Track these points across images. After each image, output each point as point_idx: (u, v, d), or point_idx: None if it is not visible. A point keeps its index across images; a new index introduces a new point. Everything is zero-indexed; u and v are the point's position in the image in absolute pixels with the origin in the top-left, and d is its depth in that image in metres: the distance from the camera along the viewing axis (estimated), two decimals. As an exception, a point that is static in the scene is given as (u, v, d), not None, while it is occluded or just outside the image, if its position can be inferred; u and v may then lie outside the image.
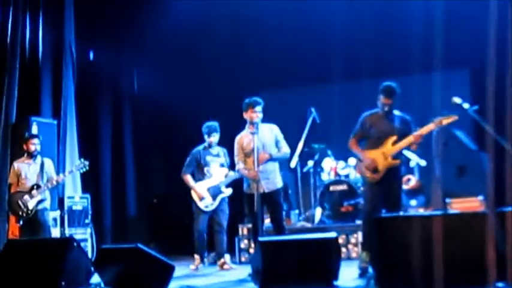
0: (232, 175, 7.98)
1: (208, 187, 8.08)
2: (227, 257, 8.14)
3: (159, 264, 5.75)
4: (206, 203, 8.07)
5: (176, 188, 12.43)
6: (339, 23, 10.59)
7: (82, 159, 8.61)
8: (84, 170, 8.52)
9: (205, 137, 8.21)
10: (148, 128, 12.06)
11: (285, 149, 7.26)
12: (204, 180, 8.17)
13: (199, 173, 8.26)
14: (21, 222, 7.90)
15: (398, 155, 6.54)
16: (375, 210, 6.24)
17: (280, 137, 7.21)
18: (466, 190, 8.89)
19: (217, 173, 8.15)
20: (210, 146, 8.22)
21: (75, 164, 8.75)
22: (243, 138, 7.14)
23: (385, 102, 6.53)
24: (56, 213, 9.39)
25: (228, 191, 8.10)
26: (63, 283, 5.60)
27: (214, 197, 8.05)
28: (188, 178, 8.28)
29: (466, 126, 8.50)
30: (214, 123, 8.24)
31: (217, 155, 8.23)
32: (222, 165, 8.24)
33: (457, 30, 9.83)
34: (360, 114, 6.84)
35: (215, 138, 8.17)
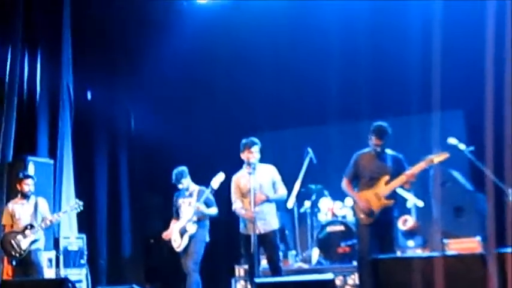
0: (200, 209, 7.94)
1: (179, 228, 8.07)
2: None
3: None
4: (175, 245, 8.07)
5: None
6: (336, 64, 10.68)
7: (77, 200, 8.62)
8: (79, 210, 8.53)
9: (177, 185, 8.30)
10: (145, 167, 12.06)
11: (282, 190, 7.27)
12: (178, 222, 8.21)
13: (178, 216, 8.30)
14: (14, 263, 7.86)
15: (392, 195, 6.55)
16: (370, 251, 6.23)
17: (278, 178, 7.22)
18: (464, 231, 8.85)
19: (185, 212, 8.12)
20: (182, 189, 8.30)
21: (70, 204, 8.73)
22: (240, 178, 7.16)
23: (376, 143, 6.57)
24: (52, 254, 9.35)
25: (192, 228, 7.97)
26: (57, 325, 5.55)
27: (181, 237, 8.01)
28: (171, 223, 8.36)
29: (462, 167, 8.54)
30: (180, 169, 8.30)
31: (190, 195, 8.21)
32: (192, 204, 8.15)
33: (451, 72, 9.93)
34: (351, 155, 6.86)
35: (185, 184, 8.22)
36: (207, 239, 8.20)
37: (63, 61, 11.02)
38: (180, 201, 8.25)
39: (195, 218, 7.97)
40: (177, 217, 8.23)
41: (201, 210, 7.93)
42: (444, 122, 9.93)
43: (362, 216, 6.49)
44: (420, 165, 6.43)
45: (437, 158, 6.39)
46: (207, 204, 8.05)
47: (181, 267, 10.36)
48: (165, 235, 8.22)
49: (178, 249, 8.05)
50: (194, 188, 8.24)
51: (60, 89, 10.95)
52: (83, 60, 11.41)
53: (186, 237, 7.97)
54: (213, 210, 8.09)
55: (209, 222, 8.26)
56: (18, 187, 8.15)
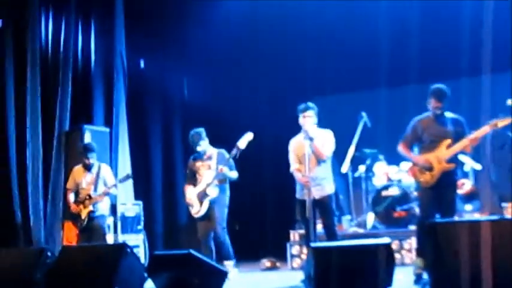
0: (223, 171, 7.67)
1: (198, 193, 7.81)
2: (229, 263, 7.70)
3: (212, 270, 5.78)
4: (194, 210, 7.83)
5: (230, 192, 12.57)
6: (386, 28, 10.54)
7: (128, 173, 8.74)
8: (128, 180, 8.66)
9: (194, 148, 8.03)
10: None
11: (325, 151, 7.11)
12: (196, 187, 7.92)
13: (194, 180, 8.00)
14: (79, 230, 8.07)
15: (453, 158, 6.41)
16: (430, 215, 6.15)
17: (327, 141, 7.08)
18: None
19: (205, 176, 7.83)
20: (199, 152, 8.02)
21: (120, 177, 8.82)
22: (296, 143, 7.11)
23: (436, 105, 6.40)
24: (110, 220, 9.54)
25: (214, 192, 7.71)
26: (117, 289, 5.67)
27: (201, 202, 7.77)
28: (185, 188, 8.09)
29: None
30: (197, 131, 8.04)
31: (209, 158, 7.94)
32: (212, 168, 7.87)
33: (507, 33, 9.69)
34: (411, 118, 6.73)
35: (203, 146, 7.94)
36: (228, 202, 7.93)
37: (116, 30, 11.13)
38: (198, 164, 7.98)
39: (216, 182, 7.73)
40: (193, 182, 7.97)
41: (224, 172, 7.67)
42: (502, 84, 9.76)
43: (422, 179, 6.39)
44: (484, 129, 6.26)
45: (502, 122, 6.22)
46: (230, 167, 7.87)
47: (236, 231, 10.46)
48: (187, 200, 7.96)
49: (197, 215, 7.82)
50: (213, 150, 8.01)
51: (113, 58, 11.09)
52: (135, 30, 11.50)
53: (206, 202, 7.73)
54: (234, 174, 7.88)
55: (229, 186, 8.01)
56: (83, 158, 8.29)
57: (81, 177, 8.20)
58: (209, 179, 7.71)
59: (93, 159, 8.24)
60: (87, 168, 8.21)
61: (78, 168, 8.33)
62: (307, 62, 11.16)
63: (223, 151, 7.91)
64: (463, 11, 9.81)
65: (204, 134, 8.00)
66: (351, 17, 10.79)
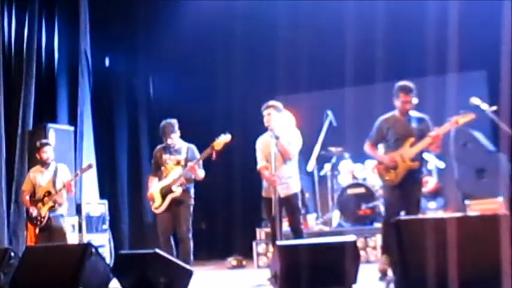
0: (192, 171, 7.31)
1: (161, 187, 7.40)
2: None
3: (178, 269, 5.76)
4: (155, 205, 7.43)
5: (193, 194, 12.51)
6: (353, 26, 10.58)
7: (90, 163, 8.63)
8: (90, 170, 8.54)
9: (164, 140, 7.62)
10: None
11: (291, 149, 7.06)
12: (161, 181, 7.50)
13: (160, 173, 7.58)
14: (37, 230, 7.95)
15: (418, 157, 6.48)
16: (395, 213, 6.20)
17: (293, 141, 7.11)
18: (485, 192, 8.82)
19: (172, 172, 7.42)
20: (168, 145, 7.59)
21: (82, 167, 8.74)
22: (261, 141, 7.11)
23: (405, 99, 6.43)
24: (74, 219, 9.46)
25: (178, 190, 7.30)
26: (82, 289, 5.62)
27: (163, 198, 7.38)
28: (149, 180, 7.72)
29: (485, 128, 8.46)
30: (170, 122, 7.63)
31: (178, 152, 7.54)
32: (181, 163, 7.48)
33: (473, 32, 9.82)
34: (376, 116, 6.78)
35: (174, 138, 7.51)
36: (193, 202, 7.56)
37: (81, 28, 11.03)
38: (166, 157, 7.53)
39: (183, 179, 7.37)
40: (158, 174, 7.56)
41: (192, 173, 7.33)
42: (466, 83, 9.88)
43: (388, 177, 6.44)
44: (445, 127, 6.34)
45: (463, 119, 6.28)
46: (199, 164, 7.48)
47: (202, 230, 10.37)
48: (150, 193, 7.55)
49: (157, 211, 7.43)
50: (183, 145, 7.61)
51: (78, 56, 10.98)
52: (100, 27, 11.42)
53: (168, 199, 7.33)
54: (201, 174, 7.47)
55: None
56: (38, 156, 8.17)
57: (38, 177, 8.09)
58: (176, 175, 7.35)
59: (49, 155, 8.11)
60: (45, 166, 8.09)
61: (35, 169, 8.22)
62: (275, 61, 11.15)
63: (193, 147, 7.60)
64: (428, 9, 9.91)
65: (176, 126, 7.62)
66: (317, 17, 10.84)
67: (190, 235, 7.34)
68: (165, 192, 7.36)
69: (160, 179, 7.49)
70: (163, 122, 7.65)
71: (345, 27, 10.53)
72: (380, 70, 10.21)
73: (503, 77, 9.54)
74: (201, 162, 7.45)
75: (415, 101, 6.48)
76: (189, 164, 7.30)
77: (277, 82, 10.68)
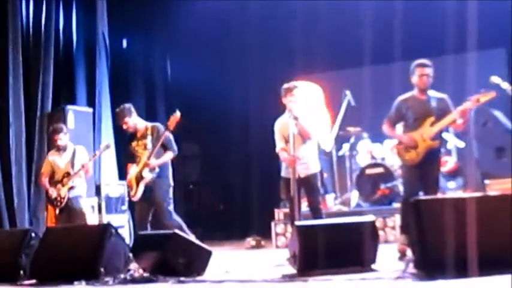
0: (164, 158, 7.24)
1: (135, 174, 7.26)
2: None
3: (197, 249, 5.78)
4: (132, 193, 7.36)
5: (211, 175, 12.56)
6: (370, 5, 10.54)
7: (108, 143, 8.65)
8: (107, 151, 8.56)
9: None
10: (183, 115, 12.11)
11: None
12: (134, 167, 7.34)
13: (134, 161, 7.40)
14: (57, 211, 8.01)
15: (438, 136, 6.43)
16: (414, 193, 6.17)
17: (312, 121, 7.07)
18: (505, 171, 8.75)
19: (142, 157, 7.23)
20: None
21: (101, 147, 8.76)
22: (280, 122, 7.07)
23: (422, 72, 6.35)
24: (94, 200, 9.52)
25: (149, 176, 7.13)
26: (101, 269, 5.64)
27: (137, 184, 7.23)
28: (127, 168, 7.52)
29: (505, 107, 8.37)
30: (122, 107, 7.49)
31: (143, 137, 7.36)
32: (148, 146, 7.27)
33: (491, 10, 9.73)
34: (395, 96, 6.72)
35: (129, 123, 7.38)
36: (171, 182, 7.48)
37: (98, 10, 11.04)
38: (134, 144, 7.41)
39: (155, 162, 7.19)
40: (133, 161, 7.39)
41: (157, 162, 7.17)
42: (486, 60, 9.78)
43: (408, 157, 6.39)
44: (466, 105, 6.25)
45: (484, 97, 6.18)
46: (165, 146, 7.33)
47: (220, 211, 10.35)
48: (127, 181, 7.49)
49: (134, 198, 7.35)
50: (146, 127, 7.43)
51: (96, 38, 11.00)
52: (117, 9, 11.43)
53: (141, 185, 7.19)
54: (168, 156, 7.35)
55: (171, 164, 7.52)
56: (54, 142, 8.17)
57: (57, 159, 8.13)
58: (146, 159, 7.17)
59: (63, 140, 8.11)
60: (60, 149, 8.13)
61: (53, 152, 8.25)
62: (292, 42, 11.13)
63: (158, 125, 7.42)
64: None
65: (131, 109, 7.43)
66: None
67: (172, 216, 7.26)
68: (138, 179, 7.24)
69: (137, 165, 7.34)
70: (117, 109, 7.57)
71: (363, 6, 10.48)
72: (398, 49, 10.14)
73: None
74: (171, 139, 7.39)
75: (432, 74, 6.40)
76: (155, 143, 7.16)
77: (296, 62, 10.67)
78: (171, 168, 7.53)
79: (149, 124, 7.50)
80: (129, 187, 7.50)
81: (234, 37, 11.60)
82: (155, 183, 7.24)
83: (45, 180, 8.12)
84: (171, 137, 7.42)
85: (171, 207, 7.35)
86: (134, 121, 7.43)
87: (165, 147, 7.33)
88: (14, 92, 9.81)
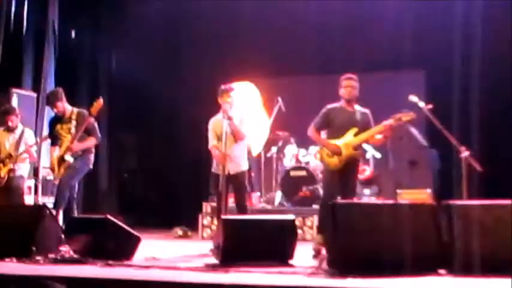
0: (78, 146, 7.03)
1: (57, 156, 7.14)
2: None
3: (127, 235, 5.71)
4: (53, 175, 7.28)
5: (146, 165, 12.43)
6: (311, 20, 10.69)
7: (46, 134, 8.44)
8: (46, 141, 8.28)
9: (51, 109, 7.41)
10: (123, 106, 11.99)
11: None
12: (57, 149, 7.24)
13: (55, 143, 7.33)
14: None
15: (359, 146, 6.56)
16: (332, 196, 6.23)
17: (245, 122, 7.09)
18: (416, 183, 8.98)
19: (65, 141, 7.13)
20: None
21: (42, 135, 8.56)
22: (214, 121, 7.05)
23: (348, 84, 6.47)
24: (31, 182, 9.28)
25: (70, 159, 6.99)
26: (34, 248, 5.54)
27: (59, 167, 7.11)
28: (50, 150, 7.44)
29: (420, 124, 8.58)
30: (54, 91, 7.50)
31: (69, 120, 7.23)
32: (72, 131, 7.15)
33: (414, 33, 10.02)
34: (322, 107, 6.79)
35: (59, 107, 7.26)
36: (90, 166, 7.34)
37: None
38: (58, 127, 7.27)
39: (78, 145, 7.06)
40: (56, 144, 7.29)
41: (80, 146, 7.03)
42: (406, 80, 10.04)
43: (329, 160, 6.45)
44: (390, 123, 6.39)
45: (405, 117, 6.34)
46: (89, 131, 7.18)
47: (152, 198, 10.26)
48: (50, 164, 7.35)
49: (56, 181, 7.22)
50: (72, 111, 7.30)
51: (46, 26, 10.76)
52: (68, 0, 11.21)
53: (62, 168, 7.07)
54: (91, 141, 7.21)
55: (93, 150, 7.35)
56: (3, 121, 7.95)
57: (3, 138, 7.89)
58: (68, 143, 7.04)
59: (15, 122, 7.91)
60: (10, 130, 7.91)
61: (1, 131, 8.02)
62: (233, 47, 11.14)
63: (83, 111, 7.24)
64: (375, 10, 10.04)
65: (60, 94, 7.30)
66: (277, 7, 10.84)
67: (68, 189, 7.09)
68: (59, 161, 7.11)
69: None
70: (47, 93, 7.47)
71: (302, 21, 10.63)
72: (330, 63, 10.34)
73: (440, 77, 9.80)
74: (95, 124, 7.26)
75: (356, 87, 6.52)
76: (72, 133, 7.07)
77: (234, 67, 10.67)
78: (93, 155, 7.36)
79: (75, 109, 7.35)
80: (51, 169, 7.34)
81: (179, 35, 11.54)
82: (73, 166, 7.07)
83: None
84: (95, 123, 7.29)
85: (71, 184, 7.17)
86: (64, 105, 7.30)
87: (88, 133, 7.18)
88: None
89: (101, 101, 7.10)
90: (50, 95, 7.42)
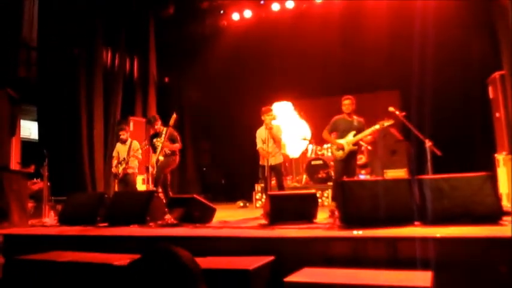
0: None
1: (155, 158, 7.07)
2: None
3: (207, 207, 5.75)
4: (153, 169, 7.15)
5: (217, 161, 12.50)
6: (313, 50, 10.38)
7: (145, 142, 8.38)
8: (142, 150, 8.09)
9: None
10: (201, 123, 12.00)
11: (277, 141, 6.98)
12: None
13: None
14: (117, 181, 7.82)
15: (356, 143, 6.51)
16: (340, 176, 6.22)
17: (279, 131, 7.07)
18: (396, 165, 8.85)
19: (158, 148, 7.03)
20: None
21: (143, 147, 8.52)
22: (259, 131, 7.04)
23: (345, 103, 6.50)
24: (144, 176, 9.45)
25: (161, 159, 6.94)
26: (148, 218, 5.61)
27: (156, 165, 7.02)
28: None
29: (397, 125, 8.42)
30: (152, 117, 7.38)
31: (161, 135, 7.09)
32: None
33: (391, 59, 9.76)
34: (331, 118, 6.75)
35: (155, 128, 7.19)
36: (175, 164, 7.19)
37: (150, 57, 10.94)
38: (155, 140, 7.17)
39: (164, 145, 6.96)
40: (155, 152, 7.15)
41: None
42: (384, 99, 9.83)
43: (336, 153, 6.45)
44: (376, 127, 6.36)
45: (387, 122, 6.34)
46: (173, 140, 7.05)
47: (222, 183, 10.19)
48: (151, 164, 7.20)
49: (155, 173, 7.03)
50: (164, 128, 7.13)
51: (149, 75, 10.91)
52: (162, 56, 11.26)
53: (157, 165, 7.01)
54: (176, 146, 7.04)
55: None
56: (118, 136, 7.94)
57: (120, 148, 7.78)
58: (160, 148, 6.97)
59: (125, 134, 7.75)
60: (122, 141, 7.76)
61: (118, 144, 7.89)
62: (274, 77, 10.99)
63: (168, 127, 7.00)
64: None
65: (157, 118, 7.24)
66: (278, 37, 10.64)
67: (169, 188, 7.12)
68: (156, 162, 7.04)
69: None
70: (149, 117, 7.44)
71: (301, 51, 10.51)
72: (333, 87, 10.16)
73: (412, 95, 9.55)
74: (177, 137, 7.15)
75: (351, 104, 6.48)
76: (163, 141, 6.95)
77: (277, 91, 10.50)
78: (178, 157, 7.20)
79: (165, 127, 7.12)
80: (152, 166, 7.23)
81: (237, 71, 11.41)
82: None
83: (113, 162, 7.90)
84: (177, 135, 7.11)
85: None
86: (160, 126, 7.17)
87: (173, 141, 7.05)
88: (96, 106, 9.72)
89: (174, 115, 6.98)
90: (151, 119, 7.36)
